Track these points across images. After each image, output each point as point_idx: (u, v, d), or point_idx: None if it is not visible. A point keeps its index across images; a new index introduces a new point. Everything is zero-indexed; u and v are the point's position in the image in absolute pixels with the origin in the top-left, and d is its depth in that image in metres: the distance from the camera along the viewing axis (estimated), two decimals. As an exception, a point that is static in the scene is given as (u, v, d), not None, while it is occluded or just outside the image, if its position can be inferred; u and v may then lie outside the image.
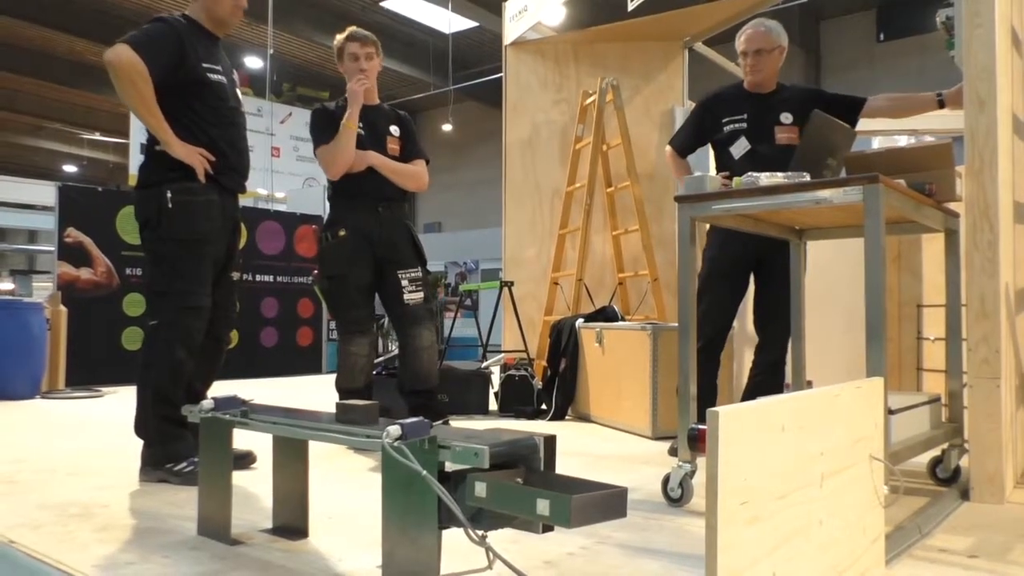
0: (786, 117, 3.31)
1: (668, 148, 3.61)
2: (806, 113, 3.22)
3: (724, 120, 3.38)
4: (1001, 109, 2.53)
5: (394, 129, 3.59)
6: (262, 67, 15.20)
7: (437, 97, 18.45)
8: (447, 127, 18.89)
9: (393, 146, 3.55)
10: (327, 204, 3.61)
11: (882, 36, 15.89)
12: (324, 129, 3.43)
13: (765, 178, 2.27)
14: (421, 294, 3.49)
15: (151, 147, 2.83)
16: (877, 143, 5.41)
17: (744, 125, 3.33)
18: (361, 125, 3.44)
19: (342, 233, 3.43)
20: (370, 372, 3.55)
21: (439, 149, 22.36)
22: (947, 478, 2.70)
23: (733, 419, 1.17)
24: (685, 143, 3.55)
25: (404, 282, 3.46)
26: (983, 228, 2.50)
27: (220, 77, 2.90)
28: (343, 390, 3.50)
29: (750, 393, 3.29)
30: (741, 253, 3.28)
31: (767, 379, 3.28)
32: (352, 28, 3.56)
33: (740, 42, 3.33)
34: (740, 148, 3.33)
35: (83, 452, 3.37)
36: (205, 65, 2.84)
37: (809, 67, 16.53)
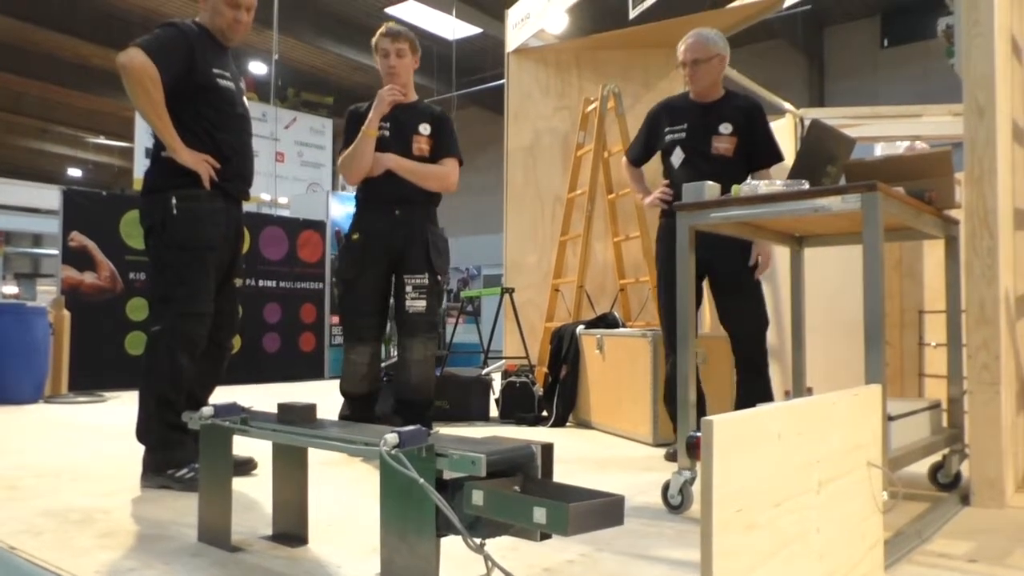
0: (725, 127, 3.32)
1: (624, 159, 3.66)
2: (749, 124, 3.28)
3: (666, 130, 3.42)
4: (1000, 117, 2.53)
5: (424, 128, 3.46)
6: (267, 72, 15.25)
7: (440, 103, 18.46)
8: (450, 132, 18.90)
9: (421, 146, 3.43)
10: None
11: (886, 42, 15.90)
12: (350, 134, 3.41)
13: (764, 185, 2.28)
14: (424, 303, 3.38)
15: (157, 153, 2.84)
16: (879, 150, 5.42)
17: (683, 135, 3.37)
18: (387, 125, 3.39)
19: (355, 237, 3.39)
20: (374, 379, 3.46)
21: (442, 154, 22.37)
22: (948, 483, 2.71)
23: (728, 428, 1.17)
24: (638, 153, 3.61)
25: (408, 288, 3.38)
26: (983, 235, 2.50)
27: (229, 83, 2.92)
28: (345, 394, 3.48)
29: (738, 397, 3.28)
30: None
31: (747, 376, 3.26)
32: (388, 24, 3.50)
33: (679, 52, 3.35)
34: (677, 158, 3.38)
35: (85, 457, 3.38)
36: (215, 70, 2.86)
37: (812, 73, 16.54)
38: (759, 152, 3.35)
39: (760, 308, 3.31)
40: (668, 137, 3.41)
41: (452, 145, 3.51)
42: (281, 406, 1.92)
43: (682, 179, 3.32)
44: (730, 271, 3.22)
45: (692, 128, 3.35)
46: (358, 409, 3.44)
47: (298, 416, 1.89)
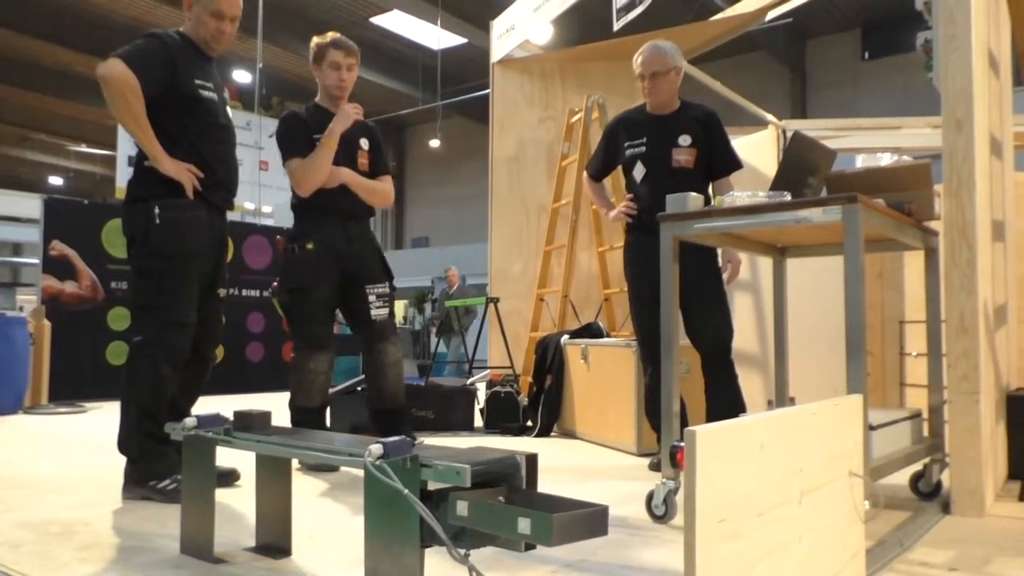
0: (684, 139, 3.35)
1: (584, 174, 3.72)
2: (706, 134, 3.31)
3: (626, 144, 3.45)
4: (978, 130, 2.57)
5: (364, 142, 3.52)
6: (251, 81, 15.21)
7: (425, 112, 18.53)
8: (435, 142, 18.95)
9: (363, 160, 3.50)
10: (292, 215, 3.47)
11: (866, 55, 16.12)
12: (298, 141, 3.36)
13: (746, 197, 2.30)
14: (387, 310, 3.46)
15: (140, 162, 2.82)
16: (860, 161, 5.47)
17: (643, 149, 3.39)
18: None
19: (310, 246, 3.35)
20: (327, 391, 3.46)
21: (427, 164, 22.40)
22: (929, 492, 2.73)
23: (711, 437, 1.18)
24: (598, 168, 3.65)
25: (372, 297, 3.42)
26: (961, 246, 2.53)
27: (211, 94, 2.90)
28: (301, 409, 3.38)
29: (709, 407, 3.28)
30: (654, 276, 3.22)
31: (718, 385, 3.27)
32: (336, 35, 3.49)
33: (636, 65, 3.37)
34: (639, 172, 3.41)
35: (65, 469, 3.34)
36: (197, 81, 2.84)
37: (795, 85, 16.72)
38: (718, 161, 3.38)
39: (728, 317, 3.34)
40: (628, 152, 3.44)
41: (385, 161, 3.64)
42: (237, 414, 1.94)
43: (645, 193, 3.36)
44: (699, 281, 3.23)
45: (652, 142, 3.38)
46: (310, 425, 3.30)
47: (255, 423, 1.93)
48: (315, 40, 3.50)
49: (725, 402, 3.17)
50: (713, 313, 3.28)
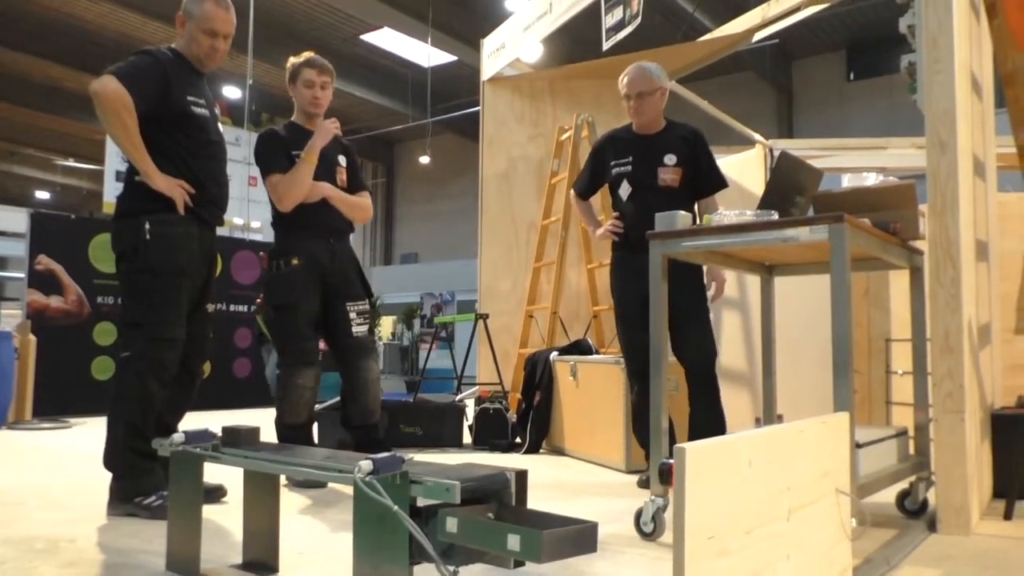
0: (670, 158, 3.38)
1: (571, 192, 3.76)
2: (692, 153, 3.35)
3: (612, 163, 3.49)
4: (961, 151, 2.61)
5: (342, 159, 3.55)
6: (241, 97, 15.22)
7: (415, 129, 18.60)
8: (424, 159, 19.00)
9: (342, 177, 3.52)
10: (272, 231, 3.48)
11: (852, 76, 16.31)
12: (277, 156, 3.37)
13: (734, 215, 2.32)
14: (366, 327, 3.49)
15: (131, 177, 2.82)
16: (846, 181, 5.53)
17: (629, 168, 3.43)
18: None
19: (295, 262, 3.34)
20: (313, 407, 3.45)
21: (416, 180, 22.44)
22: (915, 510, 2.74)
23: (700, 455, 1.19)
24: (584, 186, 3.69)
25: (352, 314, 3.44)
26: (946, 266, 2.56)
27: (203, 111, 2.91)
28: (289, 426, 3.37)
29: (692, 426, 3.29)
30: (640, 294, 3.15)
31: (703, 404, 3.29)
32: (310, 53, 3.53)
33: (622, 85, 3.41)
34: (625, 191, 3.45)
35: (50, 485, 3.31)
36: (189, 98, 2.85)
37: (781, 105, 16.88)
38: (703, 180, 3.41)
39: (711, 334, 3.36)
40: (615, 170, 3.47)
41: (362, 178, 3.67)
42: (225, 429, 1.94)
43: (631, 211, 3.39)
44: (684, 299, 3.24)
45: (637, 161, 3.41)
46: (297, 441, 3.29)
47: (243, 439, 1.93)
48: (291, 60, 3.52)
49: (706, 419, 3.19)
50: (698, 330, 3.30)
